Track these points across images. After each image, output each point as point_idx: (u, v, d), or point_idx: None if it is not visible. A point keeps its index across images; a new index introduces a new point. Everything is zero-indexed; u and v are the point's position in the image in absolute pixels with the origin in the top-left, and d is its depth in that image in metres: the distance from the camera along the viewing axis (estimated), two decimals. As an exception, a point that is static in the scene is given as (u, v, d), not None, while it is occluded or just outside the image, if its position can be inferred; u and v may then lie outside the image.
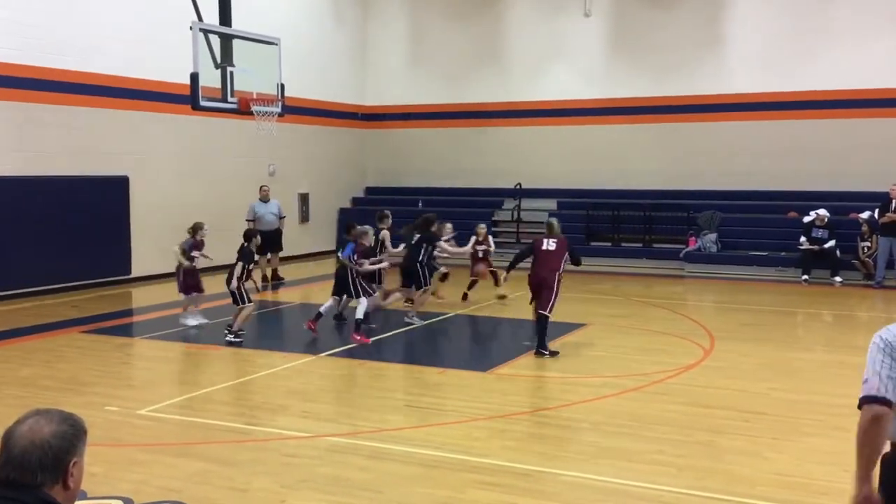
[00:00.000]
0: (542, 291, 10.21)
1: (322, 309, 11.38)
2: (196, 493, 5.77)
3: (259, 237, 11.57)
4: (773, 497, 5.70)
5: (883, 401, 3.21)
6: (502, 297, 13.76)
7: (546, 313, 10.11)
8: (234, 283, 10.75)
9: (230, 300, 11.10)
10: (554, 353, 10.05)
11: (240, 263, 10.84)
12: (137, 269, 16.29)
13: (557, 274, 10.20)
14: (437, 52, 22.53)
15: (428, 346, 11.31)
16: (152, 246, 16.53)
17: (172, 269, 17.10)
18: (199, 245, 12.03)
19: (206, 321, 11.95)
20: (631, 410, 7.86)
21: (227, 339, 10.74)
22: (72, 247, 14.90)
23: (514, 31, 21.72)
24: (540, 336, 10.14)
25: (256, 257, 12.17)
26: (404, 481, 6.07)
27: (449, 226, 13.77)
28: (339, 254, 11.69)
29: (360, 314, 10.91)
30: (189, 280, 11.99)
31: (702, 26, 19.81)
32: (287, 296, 15.38)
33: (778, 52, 19.03)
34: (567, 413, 7.78)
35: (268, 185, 17.04)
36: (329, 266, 20.13)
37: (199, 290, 12.07)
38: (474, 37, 22.04)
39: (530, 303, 10.62)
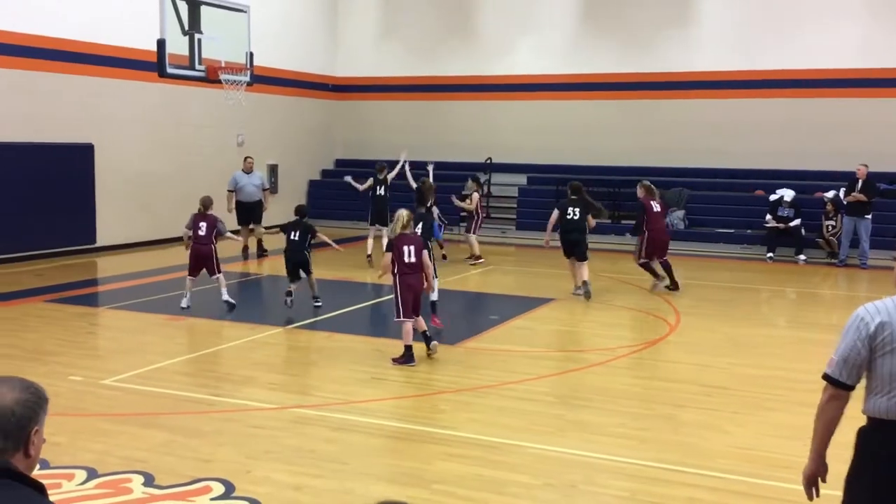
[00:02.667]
0: (666, 245, 12.93)
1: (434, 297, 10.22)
2: (160, 463, 5.75)
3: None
4: (734, 470, 5.80)
5: (842, 385, 3.31)
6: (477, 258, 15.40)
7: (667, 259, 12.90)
8: (304, 254, 11.07)
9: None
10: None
11: (309, 235, 11.09)
12: (103, 239, 16.09)
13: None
14: (409, 24, 22.34)
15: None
16: (118, 215, 16.33)
17: (139, 239, 16.99)
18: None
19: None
20: (595, 384, 7.94)
21: (317, 304, 11.18)
22: (36, 215, 14.66)
23: (485, 4, 21.60)
24: (671, 276, 12.80)
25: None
26: (370, 453, 6.09)
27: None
28: (433, 235, 10.89)
29: (436, 296, 10.11)
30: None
31: (672, 3, 19.83)
32: (254, 268, 15.29)
33: (747, 30, 19.12)
34: (533, 386, 7.85)
35: (252, 157, 16.24)
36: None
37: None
38: (445, 9, 21.88)
39: (652, 258, 12.83)
